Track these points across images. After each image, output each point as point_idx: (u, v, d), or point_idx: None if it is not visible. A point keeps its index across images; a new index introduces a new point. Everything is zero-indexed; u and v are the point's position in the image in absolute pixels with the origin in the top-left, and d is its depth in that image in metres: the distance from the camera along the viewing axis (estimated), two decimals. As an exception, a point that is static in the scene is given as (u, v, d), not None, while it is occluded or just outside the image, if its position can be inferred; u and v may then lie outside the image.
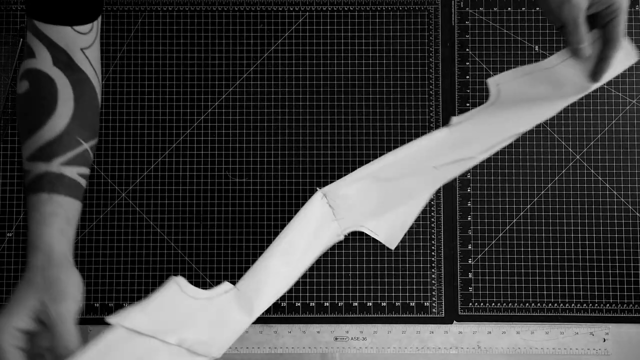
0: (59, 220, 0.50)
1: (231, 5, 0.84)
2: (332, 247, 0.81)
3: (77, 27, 0.52)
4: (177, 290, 0.52)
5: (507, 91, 0.62)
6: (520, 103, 0.62)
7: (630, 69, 0.83)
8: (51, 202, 0.50)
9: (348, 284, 0.82)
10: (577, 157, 0.83)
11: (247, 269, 0.63)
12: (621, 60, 0.59)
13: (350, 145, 0.83)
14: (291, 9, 0.84)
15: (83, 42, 0.53)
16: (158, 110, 0.83)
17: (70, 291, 0.48)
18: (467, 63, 0.84)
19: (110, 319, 0.48)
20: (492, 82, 0.63)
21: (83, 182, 0.55)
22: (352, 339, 0.82)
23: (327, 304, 0.82)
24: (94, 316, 0.81)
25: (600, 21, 0.54)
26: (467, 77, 0.84)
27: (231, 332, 0.57)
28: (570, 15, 0.52)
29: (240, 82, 0.83)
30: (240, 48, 0.84)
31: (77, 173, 0.53)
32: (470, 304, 0.82)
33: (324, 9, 0.84)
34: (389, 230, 0.72)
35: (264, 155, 0.83)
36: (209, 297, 0.55)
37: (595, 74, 0.57)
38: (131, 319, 0.48)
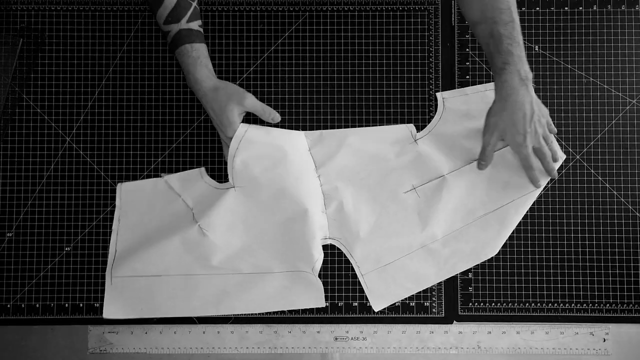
0: (201, 60, 0.75)
1: (231, 5, 0.84)
2: (333, 248, 0.81)
3: None
4: (199, 173, 0.81)
5: (450, 104, 0.82)
6: (460, 120, 0.81)
7: (630, 69, 0.83)
8: (192, 50, 0.75)
9: (348, 284, 0.82)
10: (577, 157, 0.83)
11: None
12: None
13: (350, 145, 0.83)
14: (291, 9, 0.84)
15: None
16: (158, 110, 0.83)
17: (224, 103, 0.75)
18: (467, 63, 0.84)
19: (162, 174, 0.81)
20: (440, 95, 0.83)
21: (202, 29, 0.77)
22: (352, 339, 0.82)
23: (327, 304, 0.82)
24: (94, 316, 0.81)
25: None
26: (467, 77, 0.84)
27: (222, 212, 0.79)
28: (485, 144, 0.76)
29: (240, 82, 0.83)
30: (240, 48, 0.84)
31: (197, 25, 0.76)
32: (470, 304, 0.82)
33: (324, 9, 0.84)
34: (383, 288, 0.81)
35: (264, 155, 0.83)
36: (216, 186, 0.80)
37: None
38: (170, 178, 0.80)
